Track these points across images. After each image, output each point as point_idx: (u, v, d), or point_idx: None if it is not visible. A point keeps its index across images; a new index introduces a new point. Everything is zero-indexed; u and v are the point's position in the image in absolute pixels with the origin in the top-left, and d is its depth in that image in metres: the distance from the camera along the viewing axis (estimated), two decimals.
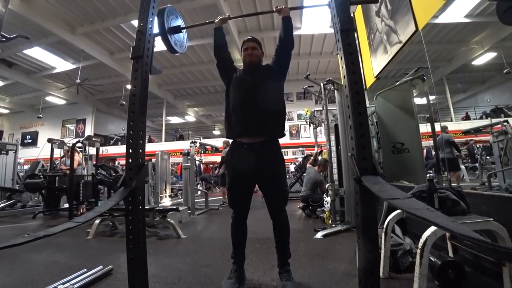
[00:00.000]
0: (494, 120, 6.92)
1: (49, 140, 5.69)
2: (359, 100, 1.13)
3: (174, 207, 3.45)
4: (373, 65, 3.71)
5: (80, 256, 2.76)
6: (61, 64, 12.51)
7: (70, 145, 5.05)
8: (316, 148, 6.45)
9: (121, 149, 17.07)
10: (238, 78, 1.90)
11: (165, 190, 7.13)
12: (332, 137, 4.79)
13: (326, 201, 3.73)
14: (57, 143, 5.82)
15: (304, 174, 5.63)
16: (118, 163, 12.33)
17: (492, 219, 1.57)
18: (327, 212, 3.76)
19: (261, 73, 1.91)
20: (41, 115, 15.69)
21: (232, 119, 1.83)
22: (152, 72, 1.50)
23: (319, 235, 3.16)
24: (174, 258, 2.58)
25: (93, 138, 4.86)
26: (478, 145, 10.12)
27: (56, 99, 16.23)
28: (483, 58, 12.11)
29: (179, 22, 1.91)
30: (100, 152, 17.50)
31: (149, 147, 15.67)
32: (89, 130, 18.01)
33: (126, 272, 1.35)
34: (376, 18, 3.42)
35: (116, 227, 3.93)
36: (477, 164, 8.04)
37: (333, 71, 13.06)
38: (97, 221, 3.61)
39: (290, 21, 1.88)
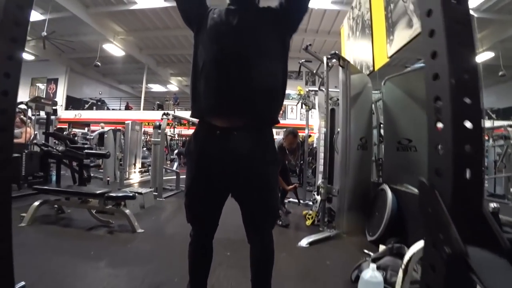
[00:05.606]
0: (498, 123, 6.55)
1: None
2: (469, 66, 0.52)
3: (131, 194, 2.81)
4: (387, 42, 3.08)
5: None
6: None
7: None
8: (307, 131, 5.70)
9: (96, 114, 15.98)
10: (216, 20, 1.16)
11: (135, 165, 6.43)
12: (323, 124, 4.24)
13: (315, 199, 3.21)
14: None
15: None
16: (73, 134, 11.41)
17: None
18: (313, 212, 3.24)
19: (255, 16, 1.20)
20: None
21: (200, 86, 1.13)
22: None
23: (304, 242, 2.63)
24: (118, 268, 1.96)
25: (43, 100, 4.02)
26: None
27: (23, 53, 14.57)
28: (480, 57, 11.74)
29: None
30: (73, 116, 16.36)
31: (125, 115, 14.77)
32: (61, 92, 16.60)
33: None
34: None
35: (63, 210, 3.25)
36: None
37: (327, 51, 12.29)
38: (36, 203, 2.90)
39: None
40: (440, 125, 0.55)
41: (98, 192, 2.72)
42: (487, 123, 7.15)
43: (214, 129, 1.12)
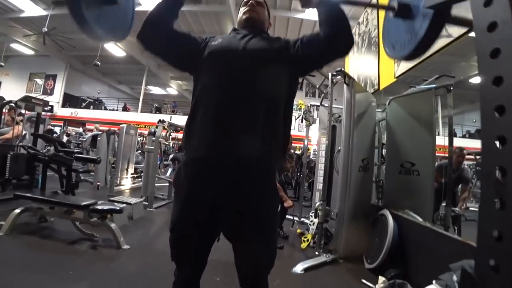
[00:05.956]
0: None
1: None
2: None
3: (118, 207, 2.65)
4: (395, 61, 2.99)
5: None
6: (30, 8, 10.85)
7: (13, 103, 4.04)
8: (306, 141, 5.56)
9: (92, 113, 15.75)
10: (217, 47, 1.07)
11: (127, 170, 6.24)
12: (324, 140, 4.12)
13: (312, 221, 3.07)
14: None
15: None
16: (67, 133, 11.23)
17: None
18: (309, 235, 3.09)
19: (261, 42, 1.09)
20: (2, 64, 13.91)
21: (198, 114, 1.01)
22: None
23: (299, 268, 2.48)
24: None
25: (33, 100, 3.84)
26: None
27: (23, 48, 14.37)
28: (479, 78, 11.77)
29: None
30: (69, 114, 16.15)
31: (122, 116, 14.60)
32: (59, 88, 16.39)
33: None
34: None
35: (46, 219, 3.07)
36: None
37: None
38: (17, 211, 2.73)
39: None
40: (500, 204, 0.43)
41: (83, 203, 2.56)
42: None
43: (207, 159, 0.99)
